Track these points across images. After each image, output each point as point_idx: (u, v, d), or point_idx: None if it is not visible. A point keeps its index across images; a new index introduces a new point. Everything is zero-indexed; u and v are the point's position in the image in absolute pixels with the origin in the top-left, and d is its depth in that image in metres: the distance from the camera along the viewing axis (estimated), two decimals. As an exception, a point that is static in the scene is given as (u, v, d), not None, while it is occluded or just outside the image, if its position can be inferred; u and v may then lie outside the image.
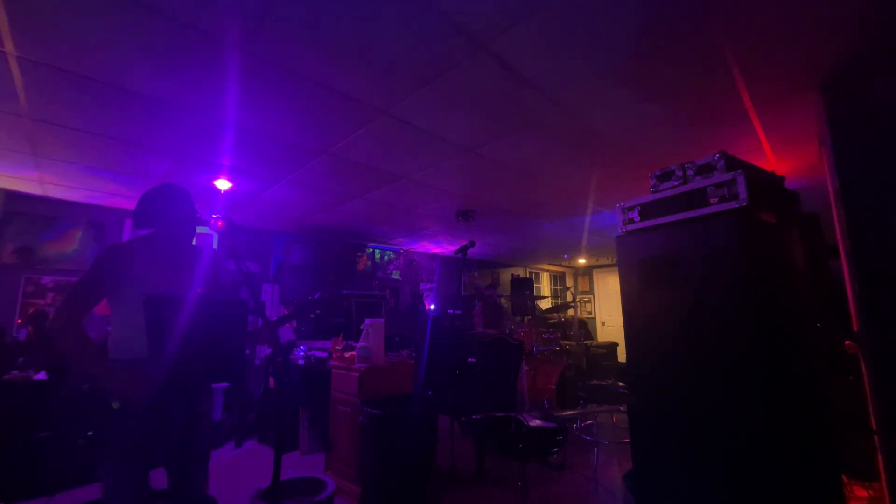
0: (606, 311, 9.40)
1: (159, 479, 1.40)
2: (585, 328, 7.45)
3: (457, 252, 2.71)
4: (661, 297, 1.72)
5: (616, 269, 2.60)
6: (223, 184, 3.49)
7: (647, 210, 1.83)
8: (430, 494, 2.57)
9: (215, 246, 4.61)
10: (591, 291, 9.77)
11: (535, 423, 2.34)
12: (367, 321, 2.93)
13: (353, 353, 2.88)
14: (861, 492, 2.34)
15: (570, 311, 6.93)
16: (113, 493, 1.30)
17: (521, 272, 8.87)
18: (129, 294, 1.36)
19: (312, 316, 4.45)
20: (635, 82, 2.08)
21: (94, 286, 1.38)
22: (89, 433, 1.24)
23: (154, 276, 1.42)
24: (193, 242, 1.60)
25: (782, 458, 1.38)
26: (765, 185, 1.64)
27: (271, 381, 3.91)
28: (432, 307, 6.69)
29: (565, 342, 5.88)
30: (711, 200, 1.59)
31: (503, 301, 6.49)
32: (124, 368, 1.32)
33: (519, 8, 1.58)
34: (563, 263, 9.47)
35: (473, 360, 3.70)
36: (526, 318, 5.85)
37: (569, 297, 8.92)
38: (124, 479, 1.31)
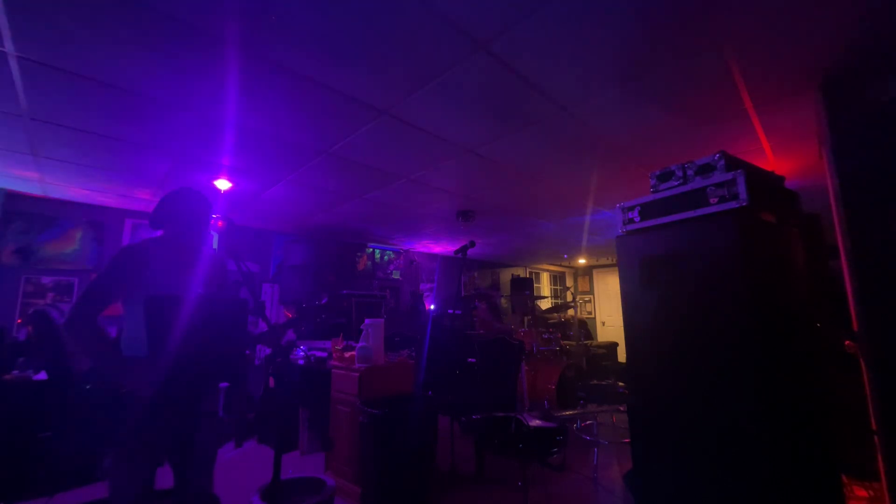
0: (606, 311, 9.39)
1: (161, 478, 1.41)
2: (585, 328, 7.45)
3: (457, 252, 2.71)
4: (661, 297, 1.72)
5: (616, 269, 2.60)
6: (223, 184, 3.49)
7: (647, 210, 1.83)
8: (429, 494, 2.57)
9: (215, 246, 4.61)
10: (591, 291, 9.77)
11: (535, 423, 2.34)
12: (367, 321, 2.93)
13: (353, 353, 2.88)
14: (861, 492, 2.34)
15: (570, 311, 6.93)
16: (120, 492, 1.32)
17: (521, 272, 8.86)
18: (141, 293, 1.38)
19: (318, 320, 4.46)
20: (635, 82, 2.08)
21: (111, 285, 1.41)
22: (91, 430, 1.27)
23: (166, 276, 1.45)
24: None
25: (782, 458, 1.38)
26: (765, 185, 1.64)
27: (271, 381, 3.90)
28: (432, 307, 6.69)
29: (565, 342, 5.88)
30: (711, 200, 1.59)
31: (503, 301, 6.50)
32: (134, 365, 1.34)
33: (518, 8, 1.58)
34: (563, 263, 9.47)
35: (473, 360, 3.70)
36: (526, 318, 5.85)
37: (569, 297, 8.92)
38: (131, 478, 1.33)
